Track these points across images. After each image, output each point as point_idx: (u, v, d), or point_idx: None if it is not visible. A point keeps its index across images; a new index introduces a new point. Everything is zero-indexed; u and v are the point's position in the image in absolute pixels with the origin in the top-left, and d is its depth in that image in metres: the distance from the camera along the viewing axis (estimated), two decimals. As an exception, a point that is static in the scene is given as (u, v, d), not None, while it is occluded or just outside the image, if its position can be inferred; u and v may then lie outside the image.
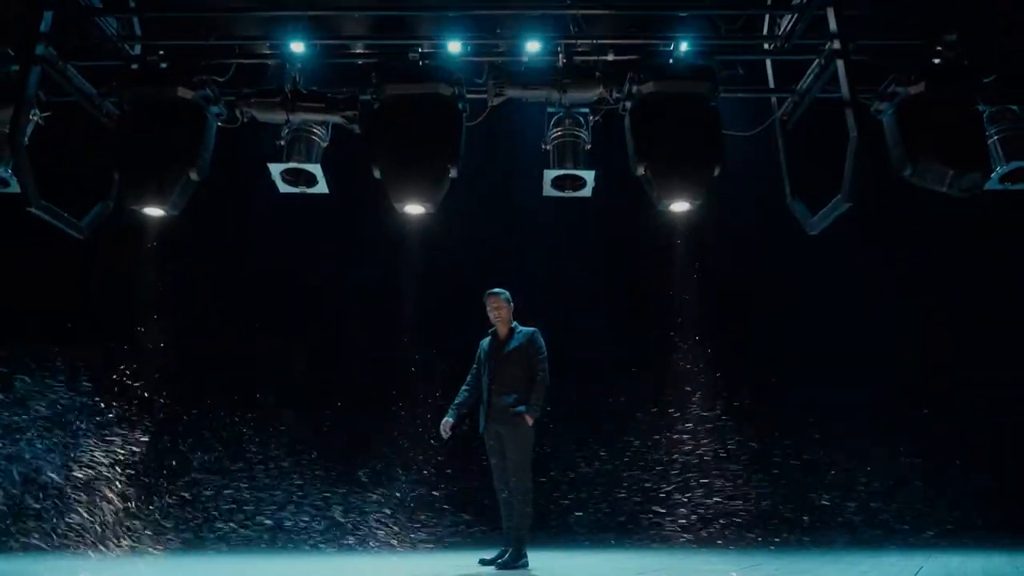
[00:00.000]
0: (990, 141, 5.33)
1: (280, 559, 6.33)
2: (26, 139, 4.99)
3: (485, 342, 5.45)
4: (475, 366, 5.48)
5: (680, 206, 5.11)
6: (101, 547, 6.90)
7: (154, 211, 5.14)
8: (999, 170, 5.29)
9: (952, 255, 7.46)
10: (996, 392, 7.54)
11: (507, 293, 5.45)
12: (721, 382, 8.26)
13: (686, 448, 8.14)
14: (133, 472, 7.42)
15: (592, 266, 8.48)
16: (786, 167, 5.71)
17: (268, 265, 7.79)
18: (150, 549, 6.96)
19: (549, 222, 7.80)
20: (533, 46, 5.22)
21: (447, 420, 5.39)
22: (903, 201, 5.99)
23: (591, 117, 5.50)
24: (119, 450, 7.38)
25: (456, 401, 5.48)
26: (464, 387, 5.51)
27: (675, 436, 8.18)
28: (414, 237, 7.02)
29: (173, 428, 7.83)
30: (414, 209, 5.16)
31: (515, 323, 5.40)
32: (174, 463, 7.73)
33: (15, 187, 5.37)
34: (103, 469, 7.26)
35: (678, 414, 8.27)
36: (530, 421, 5.04)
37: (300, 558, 6.45)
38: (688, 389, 8.33)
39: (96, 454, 7.25)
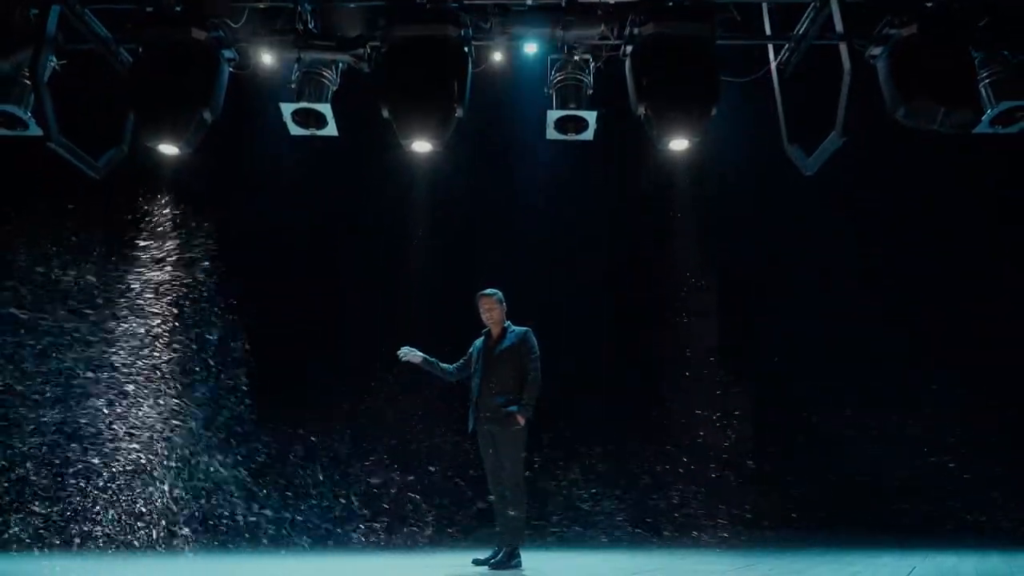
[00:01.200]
0: (981, 85, 5.47)
1: (271, 559, 6.27)
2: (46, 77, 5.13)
3: (479, 342, 5.47)
4: (464, 358, 5.51)
5: (679, 144, 5.28)
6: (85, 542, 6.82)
7: (169, 149, 5.30)
8: (989, 112, 5.43)
9: (946, 197, 7.51)
10: (994, 383, 7.34)
11: (500, 293, 5.45)
12: (720, 368, 8.11)
13: (682, 445, 7.97)
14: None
15: (591, 214, 8.37)
16: (783, 113, 5.85)
17: (276, 208, 7.78)
18: (131, 547, 6.85)
19: (550, 184, 7.91)
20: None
21: (416, 353, 5.39)
22: (898, 146, 6.11)
23: (592, 63, 5.66)
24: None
25: (439, 360, 5.49)
26: (451, 363, 5.54)
27: (672, 432, 8.03)
28: (422, 178, 7.13)
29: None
30: (421, 147, 5.33)
31: (508, 323, 5.40)
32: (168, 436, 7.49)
33: (34, 129, 5.57)
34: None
35: (676, 407, 8.08)
36: (521, 421, 5.05)
37: (290, 558, 6.39)
38: (686, 376, 8.18)
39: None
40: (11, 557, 6.49)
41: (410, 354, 5.44)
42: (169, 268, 7.49)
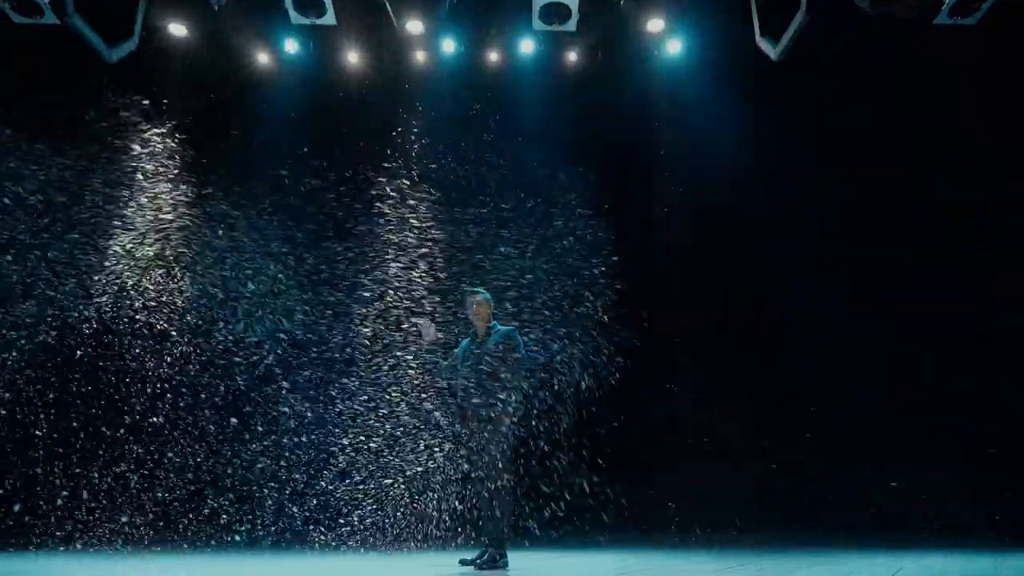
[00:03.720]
0: (941, -23, 5.83)
1: (262, 560, 6.08)
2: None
3: (465, 341, 5.44)
4: (451, 358, 5.43)
5: (655, 24, 5.65)
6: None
7: (178, 29, 5.66)
8: (948, 1, 5.79)
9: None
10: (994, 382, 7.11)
11: (487, 293, 5.41)
12: (718, 366, 7.77)
13: (673, 443, 7.75)
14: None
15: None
16: (756, 9, 6.20)
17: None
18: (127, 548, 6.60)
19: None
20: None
21: (432, 331, 5.36)
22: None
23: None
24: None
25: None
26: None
27: (664, 430, 7.76)
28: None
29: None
30: (415, 27, 5.68)
31: (494, 323, 5.34)
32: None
33: (50, 16, 5.92)
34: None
35: (670, 404, 7.78)
36: (507, 420, 5.01)
37: (280, 559, 6.24)
38: (682, 373, 7.84)
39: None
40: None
41: (428, 329, 5.38)
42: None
